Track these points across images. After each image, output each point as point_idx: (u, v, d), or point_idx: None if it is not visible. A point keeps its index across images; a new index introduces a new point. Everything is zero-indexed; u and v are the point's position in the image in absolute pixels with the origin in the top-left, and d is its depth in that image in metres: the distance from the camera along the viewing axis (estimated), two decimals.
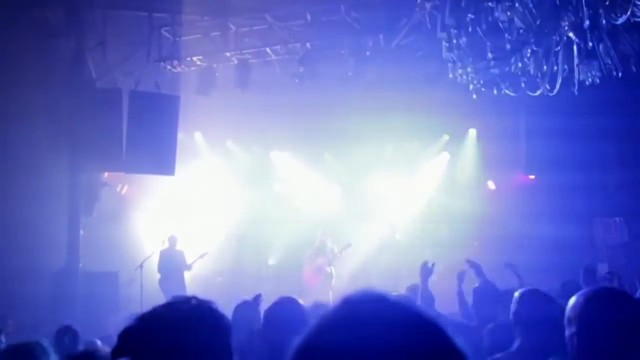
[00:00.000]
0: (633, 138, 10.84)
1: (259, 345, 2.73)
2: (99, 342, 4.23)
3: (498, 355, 3.19)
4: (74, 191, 9.47)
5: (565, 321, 2.28)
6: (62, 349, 3.55)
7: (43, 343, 3.07)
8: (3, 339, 6.14)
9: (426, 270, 5.08)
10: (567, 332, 2.27)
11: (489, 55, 5.46)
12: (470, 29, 5.23)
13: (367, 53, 9.44)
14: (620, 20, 4.62)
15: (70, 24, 9.13)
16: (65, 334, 4.40)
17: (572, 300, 2.28)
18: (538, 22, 4.86)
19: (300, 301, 3.13)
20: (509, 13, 5.16)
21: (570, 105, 9.93)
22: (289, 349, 0.89)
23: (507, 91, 6.17)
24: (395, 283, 10.93)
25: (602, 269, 10.51)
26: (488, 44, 5.24)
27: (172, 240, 10.71)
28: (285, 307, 2.95)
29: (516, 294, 3.31)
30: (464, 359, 0.89)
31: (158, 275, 10.29)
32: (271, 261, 11.75)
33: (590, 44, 4.81)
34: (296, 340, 0.89)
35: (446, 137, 13.23)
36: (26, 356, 2.86)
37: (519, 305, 3.30)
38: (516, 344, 3.21)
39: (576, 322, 2.21)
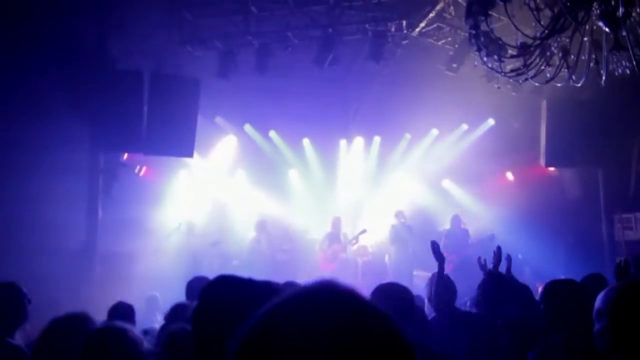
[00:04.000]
0: None
1: None
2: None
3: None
4: (94, 172, 9.54)
5: (595, 314, 2.24)
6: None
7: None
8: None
9: (439, 256, 4.47)
10: (597, 326, 2.23)
11: (517, 43, 5.37)
12: (498, 17, 5.15)
13: (389, 40, 9.34)
14: None
15: (91, 5, 9.13)
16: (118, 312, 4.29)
17: (603, 294, 2.24)
18: (568, 10, 4.76)
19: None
20: (538, 0, 5.06)
21: (592, 98, 9.81)
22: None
23: (531, 81, 6.07)
24: (409, 271, 10.93)
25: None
26: (519, 32, 5.14)
27: (190, 225, 10.77)
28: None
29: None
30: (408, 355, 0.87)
31: (174, 258, 10.36)
32: (286, 246, 11.79)
33: (624, 33, 4.70)
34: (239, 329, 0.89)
35: (465, 126, 13.12)
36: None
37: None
38: (558, 336, 3.10)
39: (607, 316, 2.17)
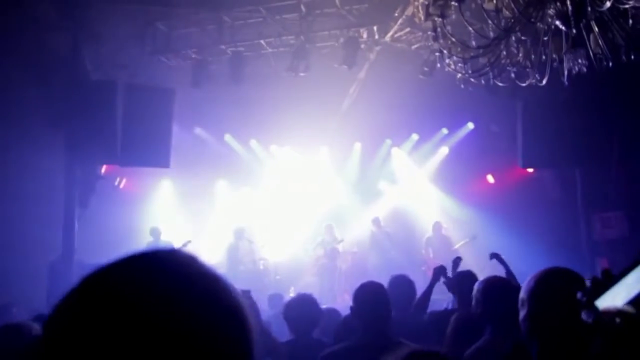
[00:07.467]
0: (634, 130, 10.71)
1: None
2: None
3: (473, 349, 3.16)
4: (70, 184, 9.49)
5: (519, 304, 2.26)
6: None
7: None
8: (15, 310, 6.30)
9: (437, 274, 5.06)
10: (520, 315, 2.25)
11: (473, 44, 5.41)
12: (454, 17, 5.20)
13: (362, 46, 9.39)
14: (605, 7, 4.57)
15: (65, 17, 9.15)
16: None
17: (525, 283, 2.26)
18: (522, 10, 4.81)
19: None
20: (494, 0, 5.12)
21: (568, 98, 9.88)
22: None
23: (496, 82, 6.10)
24: (388, 276, 10.92)
25: (601, 263, 10.46)
26: (472, 32, 5.19)
27: (155, 233, 10.67)
28: None
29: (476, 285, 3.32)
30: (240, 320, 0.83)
31: None
32: (268, 254, 11.77)
33: (575, 31, 4.75)
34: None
35: (445, 130, 13.19)
36: None
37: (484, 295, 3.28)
38: (486, 334, 3.19)
39: (528, 304, 2.19)
